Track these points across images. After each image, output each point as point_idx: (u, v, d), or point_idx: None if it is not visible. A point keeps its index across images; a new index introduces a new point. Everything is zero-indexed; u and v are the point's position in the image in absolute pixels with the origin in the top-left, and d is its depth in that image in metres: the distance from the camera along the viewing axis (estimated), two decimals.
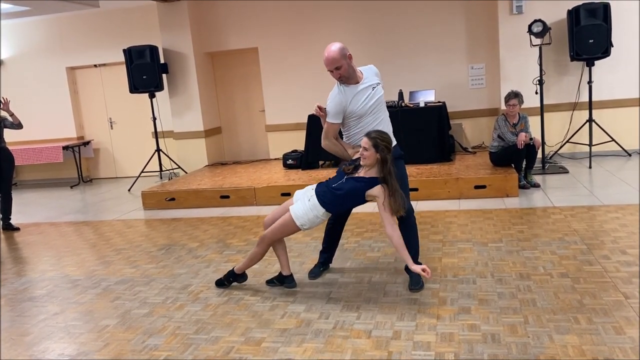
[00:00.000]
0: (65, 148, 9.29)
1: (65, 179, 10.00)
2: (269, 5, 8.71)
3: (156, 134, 8.75)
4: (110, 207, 7.42)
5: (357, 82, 3.64)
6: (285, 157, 7.96)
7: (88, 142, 9.85)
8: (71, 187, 9.50)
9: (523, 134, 6.04)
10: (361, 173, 3.52)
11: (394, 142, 3.77)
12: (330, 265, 4.18)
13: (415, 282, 3.63)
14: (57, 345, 3.25)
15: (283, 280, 3.86)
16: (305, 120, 7.87)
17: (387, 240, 4.69)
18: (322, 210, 3.56)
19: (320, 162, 7.91)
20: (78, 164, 9.63)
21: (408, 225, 3.68)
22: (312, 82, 8.54)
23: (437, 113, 7.29)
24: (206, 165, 9.01)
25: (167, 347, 3.10)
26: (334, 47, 3.53)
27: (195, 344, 3.11)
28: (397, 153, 3.75)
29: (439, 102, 7.68)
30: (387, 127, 3.76)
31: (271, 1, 8.67)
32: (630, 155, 7.45)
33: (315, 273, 4.02)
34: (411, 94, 7.93)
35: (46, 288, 4.30)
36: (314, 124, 7.65)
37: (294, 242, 4.92)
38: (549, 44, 7.04)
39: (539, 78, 6.91)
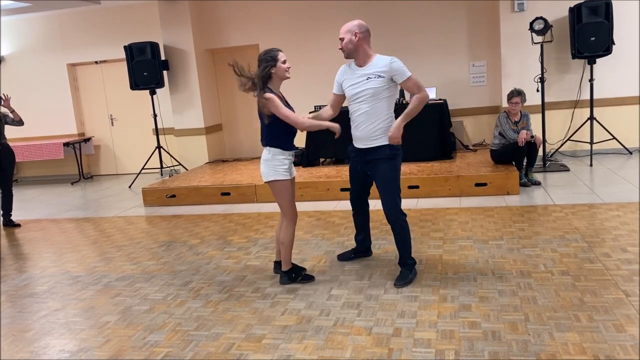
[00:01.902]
0: (66, 145, 9.28)
1: (66, 175, 10.01)
2: (270, 2, 8.70)
3: (157, 131, 8.74)
4: (111, 203, 7.43)
5: (360, 66, 3.68)
6: None
7: (89, 139, 9.84)
8: (72, 183, 9.50)
9: (524, 131, 6.03)
10: None
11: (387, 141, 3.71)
12: (363, 254, 4.25)
13: (401, 278, 3.68)
14: (58, 342, 3.25)
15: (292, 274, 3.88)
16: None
17: (388, 237, 4.70)
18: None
19: (321, 160, 7.91)
20: (79, 160, 9.63)
21: (396, 229, 3.69)
22: (313, 79, 8.53)
23: (438, 111, 7.28)
24: (207, 162, 9.01)
25: (168, 343, 3.11)
26: (352, 22, 3.68)
27: (195, 341, 3.11)
28: (388, 153, 3.66)
29: (440, 99, 7.67)
30: (368, 121, 3.62)
31: None
32: (631, 153, 7.44)
33: (344, 257, 4.23)
34: None
35: (47, 284, 4.30)
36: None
37: (295, 240, 4.92)
38: (551, 41, 7.02)
39: (540, 76, 6.90)
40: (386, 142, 3.64)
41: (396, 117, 3.70)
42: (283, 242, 3.76)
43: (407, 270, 3.72)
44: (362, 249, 4.24)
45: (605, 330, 2.82)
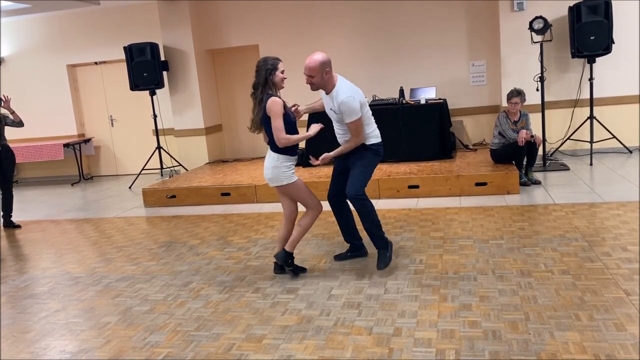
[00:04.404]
0: (66, 145, 9.29)
1: (66, 176, 10.01)
2: (270, 2, 8.69)
3: (157, 132, 8.74)
4: (111, 204, 7.43)
5: (327, 93, 3.84)
6: None
7: (89, 140, 9.85)
8: (72, 184, 9.50)
9: (524, 131, 6.03)
10: None
11: (377, 140, 3.92)
12: (358, 253, 4.29)
13: (381, 260, 3.85)
14: (59, 342, 3.25)
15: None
16: (306, 117, 7.85)
17: (389, 237, 4.69)
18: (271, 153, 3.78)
19: None
20: (79, 161, 9.63)
21: (356, 207, 3.84)
22: None
23: (438, 110, 7.28)
24: (207, 163, 9.01)
25: (168, 344, 3.11)
26: (317, 58, 3.68)
27: (196, 341, 3.11)
28: (364, 146, 3.88)
29: (440, 99, 7.67)
30: (345, 136, 3.91)
31: None
32: (631, 152, 7.44)
33: (341, 257, 4.27)
34: (412, 91, 7.92)
35: (47, 285, 4.30)
36: (315, 121, 7.61)
37: None
38: (550, 40, 7.02)
39: (540, 75, 6.90)
40: (366, 142, 3.87)
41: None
42: (301, 224, 3.88)
43: (383, 250, 3.87)
44: (354, 249, 4.26)
45: (606, 329, 2.82)
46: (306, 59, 3.73)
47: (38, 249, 5.43)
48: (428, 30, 8.19)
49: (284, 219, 4.00)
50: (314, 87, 3.80)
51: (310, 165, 7.67)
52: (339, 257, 4.28)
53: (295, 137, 3.70)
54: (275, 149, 3.74)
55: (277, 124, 3.62)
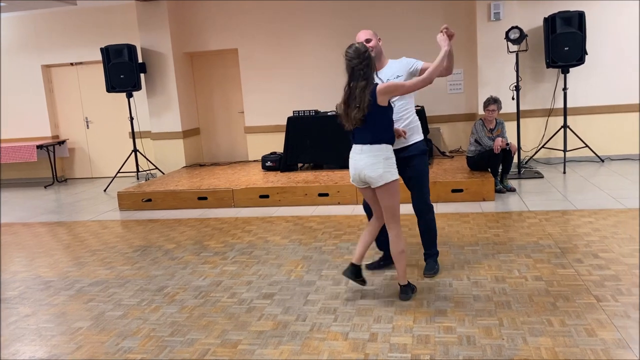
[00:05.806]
0: (39, 147, 9.12)
1: (39, 178, 9.82)
2: (250, 6, 8.68)
3: (133, 134, 8.65)
4: (85, 207, 7.31)
5: (383, 65, 3.87)
6: (264, 159, 7.94)
7: (63, 142, 9.68)
8: (45, 187, 9.33)
9: (499, 139, 6.12)
10: None
11: (420, 138, 3.82)
12: (389, 261, 4.09)
13: (430, 268, 3.88)
14: (28, 348, 3.18)
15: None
16: (284, 122, 7.86)
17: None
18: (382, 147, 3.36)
19: (299, 165, 7.91)
20: (52, 163, 9.46)
21: (422, 223, 3.95)
22: (291, 84, 8.54)
23: None
24: (184, 167, 8.93)
25: (142, 349, 3.06)
26: (367, 30, 3.87)
27: (170, 347, 3.07)
28: (422, 148, 3.83)
29: (417, 106, 7.71)
30: (397, 122, 3.68)
31: (252, 2, 8.65)
32: (603, 161, 7.59)
33: (373, 266, 4.08)
34: None
35: (18, 289, 4.21)
36: (294, 126, 7.65)
37: (272, 245, 4.91)
38: (526, 50, 7.15)
39: (515, 84, 7.02)
40: (420, 138, 3.80)
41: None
42: (404, 250, 3.46)
43: (432, 261, 3.94)
44: (387, 257, 4.04)
45: (577, 334, 2.87)
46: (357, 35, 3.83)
47: (9, 252, 5.31)
48: (406, 37, 8.25)
49: (375, 222, 3.63)
50: (373, 52, 3.69)
51: (289, 170, 7.69)
52: (371, 266, 4.07)
53: (435, 63, 3.43)
54: (387, 139, 3.35)
55: (410, 84, 3.37)
